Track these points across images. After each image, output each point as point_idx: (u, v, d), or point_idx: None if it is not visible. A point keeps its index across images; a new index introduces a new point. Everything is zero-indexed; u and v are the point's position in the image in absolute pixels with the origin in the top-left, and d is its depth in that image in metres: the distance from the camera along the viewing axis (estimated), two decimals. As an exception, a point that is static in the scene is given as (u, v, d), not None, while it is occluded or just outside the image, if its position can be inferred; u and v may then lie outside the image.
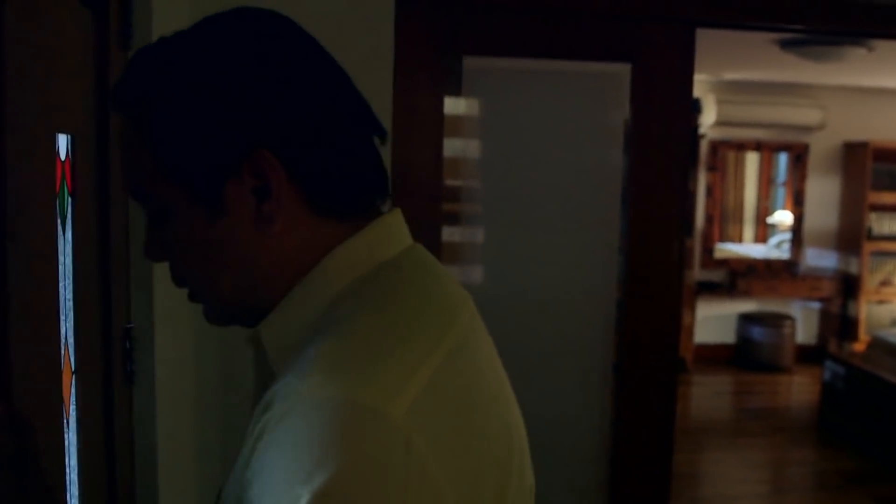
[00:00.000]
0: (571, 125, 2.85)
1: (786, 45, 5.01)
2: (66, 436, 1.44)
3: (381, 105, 2.40)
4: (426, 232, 2.58)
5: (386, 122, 2.40)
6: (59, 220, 1.39)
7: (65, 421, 1.43)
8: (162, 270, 1.12)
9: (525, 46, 2.64)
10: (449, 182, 2.71)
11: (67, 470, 1.44)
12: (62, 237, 1.42)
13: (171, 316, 1.98)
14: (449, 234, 2.74)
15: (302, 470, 0.66)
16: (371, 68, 2.39)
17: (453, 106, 2.71)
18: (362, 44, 2.38)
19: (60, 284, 1.38)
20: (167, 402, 1.96)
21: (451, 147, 2.71)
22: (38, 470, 0.85)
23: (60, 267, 1.39)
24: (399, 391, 0.72)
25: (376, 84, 2.39)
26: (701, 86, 7.04)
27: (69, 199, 1.47)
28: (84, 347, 1.53)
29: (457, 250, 2.88)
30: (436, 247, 2.62)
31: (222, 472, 1.98)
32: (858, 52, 5.05)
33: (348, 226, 0.87)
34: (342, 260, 0.85)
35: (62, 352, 1.41)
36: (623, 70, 2.69)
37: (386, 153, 2.46)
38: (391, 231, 0.90)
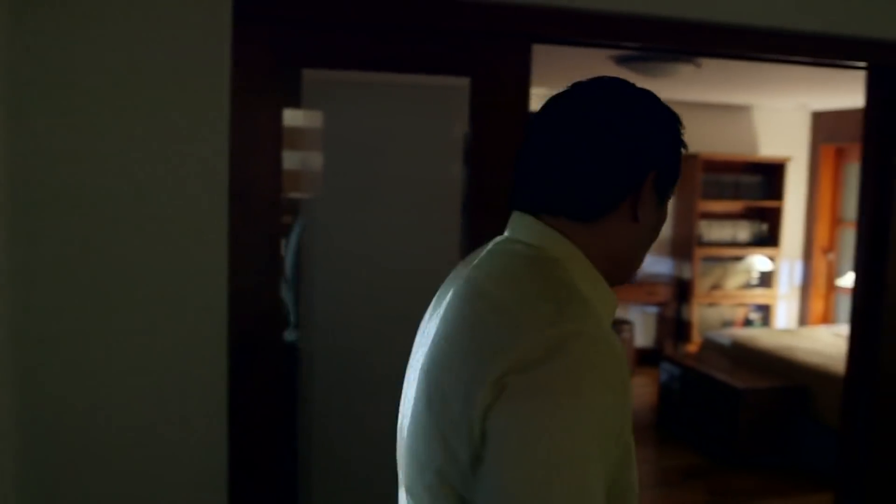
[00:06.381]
0: (412, 137, 2.85)
1: (621, 60, 5.17)
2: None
3: (218, 118, 2.33)
4: (264, 243, 2.52)
5: (223, 135, 2.34)
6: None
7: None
8: None
9: (364, 59, 2.62)
10: (291, 194, 2.65)
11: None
12: None
13: None
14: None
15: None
16: (207, 82, 2.32)
17: (292, 118, 2.66)
18: (198, 57, 2.30)
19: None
20: None
21: (291, 159, 2.66)
22: None
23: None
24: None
25: (212, 98, 2.32)
26: (540, 100, 7.19)
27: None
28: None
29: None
30: (275, 258, 2.57)
31: None
32: (688, 69, 5.29)
33: None
34: None
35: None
36: (463, 83, 2.72)
37: (224, 166, 2.39)
38: None
